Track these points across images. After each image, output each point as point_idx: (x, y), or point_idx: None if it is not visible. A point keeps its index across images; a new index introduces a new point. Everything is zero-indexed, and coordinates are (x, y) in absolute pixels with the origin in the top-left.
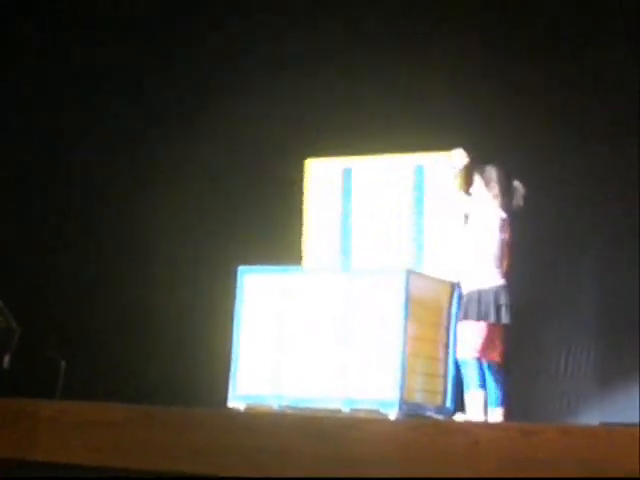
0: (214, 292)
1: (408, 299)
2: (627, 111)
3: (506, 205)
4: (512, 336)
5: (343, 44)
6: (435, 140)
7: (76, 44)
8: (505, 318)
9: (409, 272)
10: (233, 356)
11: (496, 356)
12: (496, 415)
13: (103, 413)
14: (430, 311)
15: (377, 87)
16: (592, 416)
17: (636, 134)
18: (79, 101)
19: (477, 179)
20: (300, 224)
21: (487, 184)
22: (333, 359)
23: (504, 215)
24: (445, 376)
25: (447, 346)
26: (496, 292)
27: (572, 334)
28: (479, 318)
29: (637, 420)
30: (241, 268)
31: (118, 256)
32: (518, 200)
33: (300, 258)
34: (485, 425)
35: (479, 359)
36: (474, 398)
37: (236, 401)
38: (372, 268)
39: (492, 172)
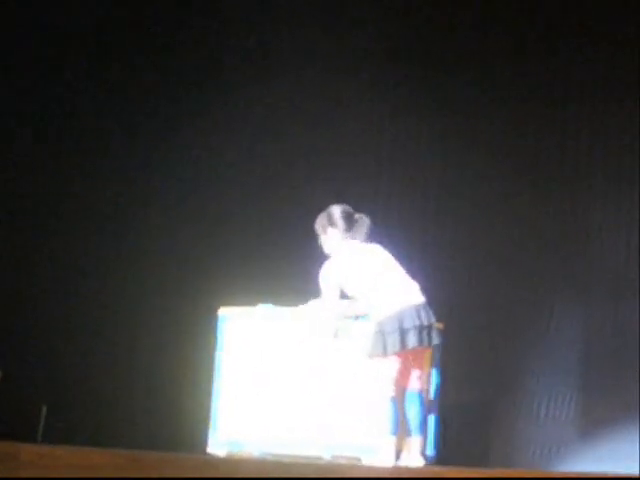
0: (195, 336)
1: None
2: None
3: (357, 237)
4: (494, 381)
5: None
6: None
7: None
8: (412, 342)
9: None
10: (213, 402)
11: (415, 382)
12: (416, 444)
13: (84, 458)
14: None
15: None
16: (573, 464)
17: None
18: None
19: (320, 224)
20: None
21: (332, 224)
22: (314, 405)
23: (360, 246)
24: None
25: (428, 392)
26: (399, 317)
27: (554, 380)
28: (385, 351)
29: (620, 469)
30: (221, 312)
31: (100, 301)
32: (365, 230)
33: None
34: (466, 471)
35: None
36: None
37: (217, 447)
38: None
39: (332, 211)
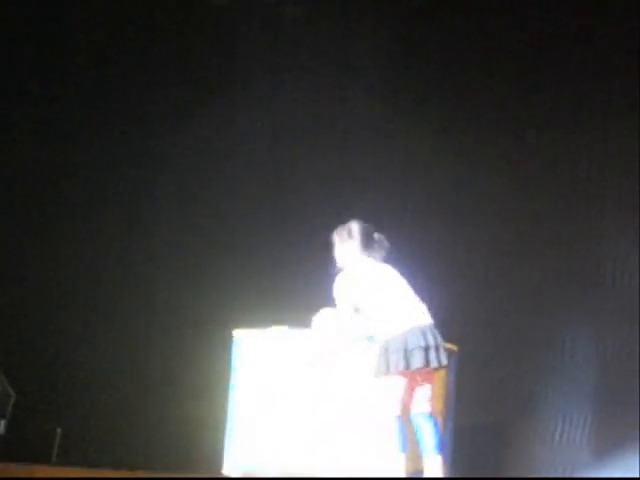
0: (210, 358)
1: None
2: None
3: (373, 256)
4: (508, 404)
5: None
6: None
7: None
8: (417, 362)
9: None
10: (228, 423)
11: (426, 404)
12: (436, 464)
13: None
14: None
15: None
16: None
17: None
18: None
19: (338, 234)
20: None
21: (351, 237)
22: (329, 427)
23: (374, 264)
24: None
25: (445, 413)
26: (404, 337)
27: (568, 404)
28: (388, 370)
29: None
30: (236, 334)
31: (113, 324)
32: (382, 251)
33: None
34: None
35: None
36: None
37: (232, 468)
38: (369, 337)
39: (353, 226)
